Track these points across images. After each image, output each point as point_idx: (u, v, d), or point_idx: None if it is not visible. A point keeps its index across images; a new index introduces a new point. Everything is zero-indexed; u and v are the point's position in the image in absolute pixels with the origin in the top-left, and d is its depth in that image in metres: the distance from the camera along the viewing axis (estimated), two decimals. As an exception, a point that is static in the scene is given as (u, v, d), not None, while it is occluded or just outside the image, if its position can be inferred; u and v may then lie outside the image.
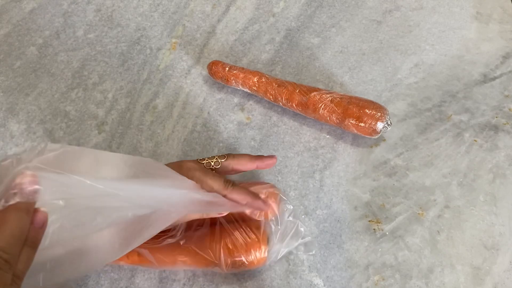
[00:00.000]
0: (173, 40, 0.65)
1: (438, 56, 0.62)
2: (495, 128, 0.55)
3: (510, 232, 0.48)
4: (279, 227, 0.43)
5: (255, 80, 0.56)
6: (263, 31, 0.66)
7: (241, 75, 0.56)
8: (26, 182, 0.28)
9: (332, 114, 0.52)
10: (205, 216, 0.41)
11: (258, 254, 0.41)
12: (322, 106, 0.52)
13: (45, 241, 0.29)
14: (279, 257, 0.43)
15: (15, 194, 0.28)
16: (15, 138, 0.55)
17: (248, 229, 0.42)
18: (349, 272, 0.46)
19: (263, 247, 0.42)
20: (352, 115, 0.50)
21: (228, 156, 0.43)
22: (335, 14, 0.68)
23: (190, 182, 0.38)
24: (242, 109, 0.58)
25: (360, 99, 0.51)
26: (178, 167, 0.39)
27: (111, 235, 0.34)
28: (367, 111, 0.50)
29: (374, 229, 0.48)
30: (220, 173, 0.43)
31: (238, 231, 0.42)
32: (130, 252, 0.42)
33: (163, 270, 0.45)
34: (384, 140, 0.55)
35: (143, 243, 0.42)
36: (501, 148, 0.54)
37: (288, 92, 0.54)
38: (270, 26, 0.67)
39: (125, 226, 0.34)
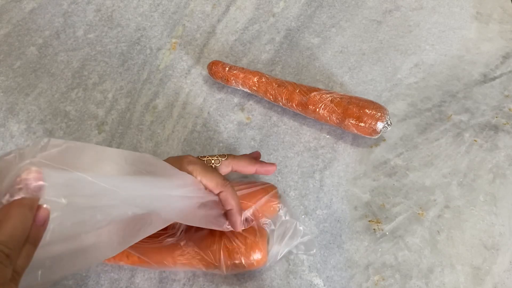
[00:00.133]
0: (173, 40, 0.65)
1: (438, 56, 0.62)
2: (495, 128, 0.55)
3: (510, 232, 0.48)
4: (278, 227, 0.43)
5: (255, 80, 0.56)
6: (263, 31, 0.66)
7: (241, 75, 0.56)
8: (31, 178, 0.28)
9: (332, 114, 0.52)
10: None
11: (257, 256, 0.41)
12: (322, 106, 0.52)
13: (45, 238, 0.29)
14: (279, 257, 0.43)
15: (20, 189, 0.27)
16: (15, 138, 0.55)
17: (247, 231, 0.42)
18: (349, 272, 0.46)
19: (262, 249, 0.42)
20: (352, 115, 0.50)
21: (229, 156, 0.44)
22: (335, 14, 0.68)
23: (190, 178, 0.38)
24: (242, 109, 0.58)
25: (360, 99, 0.51)
26: (179, 159, 0.40)
27: (110, 233, 0.34)
28: (367, 111, 0.50)
29: (374, 229, 0.48)
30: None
31: (238, 233, 0.42)
32: (130, 252, 0.43)
33: (163, 270, 0.45)
34: (384, 140, 0.55)
35: (143, 242, 0.41)
36: (501, 148, 0.54)
37: (288, 92, 0.54)
38: (270, 26, 0.67)
39: (125, 224, 0.34)
